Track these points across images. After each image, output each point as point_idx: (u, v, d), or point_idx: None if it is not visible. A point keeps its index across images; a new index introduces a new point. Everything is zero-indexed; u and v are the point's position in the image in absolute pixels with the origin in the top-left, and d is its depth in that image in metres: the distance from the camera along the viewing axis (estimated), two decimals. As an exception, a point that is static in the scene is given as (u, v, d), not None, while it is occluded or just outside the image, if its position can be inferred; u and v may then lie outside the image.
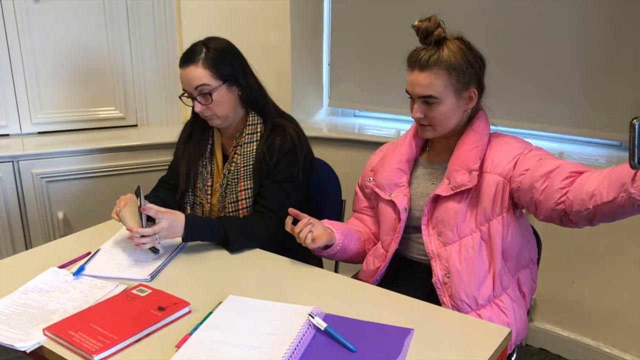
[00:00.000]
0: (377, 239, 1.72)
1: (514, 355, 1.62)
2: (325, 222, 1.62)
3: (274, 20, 2.72)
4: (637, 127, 0.94)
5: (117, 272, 1.54)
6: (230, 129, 1.84)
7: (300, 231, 1.52)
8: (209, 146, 1.87)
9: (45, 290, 1.44)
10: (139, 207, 1.59)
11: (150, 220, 1.59)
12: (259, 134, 1.79)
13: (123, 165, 2.56)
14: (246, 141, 1.79)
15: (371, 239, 1.74)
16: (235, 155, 1.80)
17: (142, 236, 1.56)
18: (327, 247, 1.60)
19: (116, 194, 1.71)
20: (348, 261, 1.74)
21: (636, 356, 2.26)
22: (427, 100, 1.48)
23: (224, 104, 1.74)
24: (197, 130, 1.88)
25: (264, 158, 1.76)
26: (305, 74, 2.89)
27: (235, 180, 1.79)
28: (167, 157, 2.06)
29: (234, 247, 1.66)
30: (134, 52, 2.72)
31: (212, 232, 1.67)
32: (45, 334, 1.25)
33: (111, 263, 1.59)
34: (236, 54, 1.79)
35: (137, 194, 1.63)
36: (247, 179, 1.78)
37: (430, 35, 1.47)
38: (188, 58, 1.72)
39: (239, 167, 1.79)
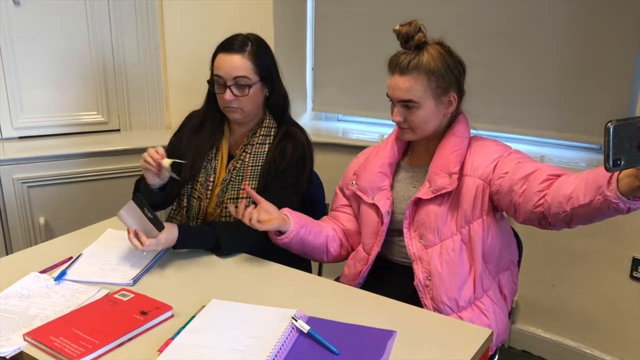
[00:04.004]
0: (347, 239, 1.73)
1: (496, 357, 1.63)
2: (285, 210, 1.62)
3: (257, 24, 2.69)
4: (611, 129, 0.95)
5: (99, 276, 1.53)
6: (244, 127, 1.84)
7: (245, 214, 1.53)
8: (217, 142, 1.86)
9: (25, 296, 1.42)
10: (150, 218, 1.54)
11: (156, 223, 1.55)
12: (272, 137, 1.81)
13: (105, 170, 2.54)
14: (259, 142, 1.80)
15: (337, 238, 1.72)
16: (244, 154, 1.80)
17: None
18: (281, 233, 1.60)
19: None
20: (307, 255, 1.72)
21: (616, 356, 2.29)
22: (407, 105, 1.50)
23: (253, 100, 1.76)
24: (210, 123, 1.86)
25: (274, 162, 1.77)
26: (288, 78, 2.84)
27: (240, 178, 1.78)
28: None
29: (225, 253, 1.65)
30: (117, 56, 2.70)
31: (204, 241, 1.66)
32: (25, 339, 1.24)
33: (93, 268, 1.58)
34: (274, 58, 1.82)
35: (141, 204, 1.56)
36: (253, 179, 1.78)
37: (410, 40, 1.48)
38: (235, 45, 1.72)
39: (246, 166, 1.79)
